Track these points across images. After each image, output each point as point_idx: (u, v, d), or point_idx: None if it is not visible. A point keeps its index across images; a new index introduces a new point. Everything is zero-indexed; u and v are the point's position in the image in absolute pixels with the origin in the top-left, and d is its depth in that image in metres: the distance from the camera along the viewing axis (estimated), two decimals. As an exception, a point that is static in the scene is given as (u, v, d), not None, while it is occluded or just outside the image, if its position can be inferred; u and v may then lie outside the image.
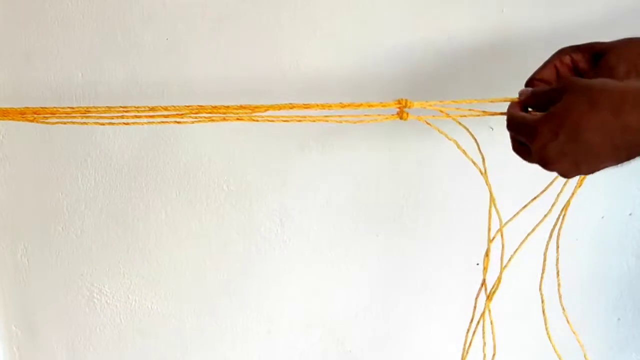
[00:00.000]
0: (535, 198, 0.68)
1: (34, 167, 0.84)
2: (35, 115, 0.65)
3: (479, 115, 0.64)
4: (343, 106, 0.64)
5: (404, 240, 0.87)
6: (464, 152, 0.65)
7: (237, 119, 0.64)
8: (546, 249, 0.71)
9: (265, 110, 0.64)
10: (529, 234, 0.70)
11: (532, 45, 0.76)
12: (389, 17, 0.77)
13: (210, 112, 0.64)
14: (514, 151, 0.60)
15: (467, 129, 0.65)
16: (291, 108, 0.63)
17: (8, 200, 0.85)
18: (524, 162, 0.59)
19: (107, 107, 0.65)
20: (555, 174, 0.58)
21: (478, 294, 0.72)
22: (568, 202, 0.68)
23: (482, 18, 0.76)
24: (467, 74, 0.78)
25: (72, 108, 0.65)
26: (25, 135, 0.82)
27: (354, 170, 0.84)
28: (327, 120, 0.65)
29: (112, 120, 0.65)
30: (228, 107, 0.64)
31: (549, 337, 0.72)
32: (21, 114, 0.65)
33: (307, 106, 0.63)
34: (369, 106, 0.64)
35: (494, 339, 0.73)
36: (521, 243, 0.69)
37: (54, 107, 0.65)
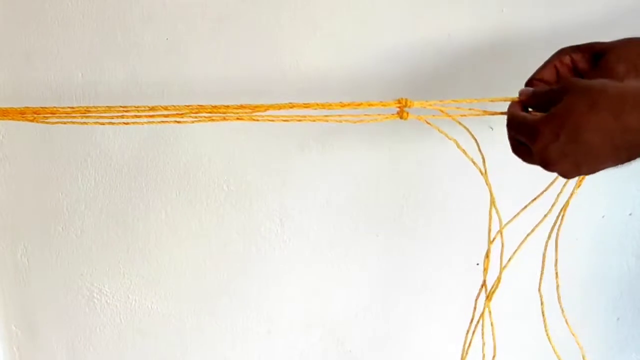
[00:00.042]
0: (535, 199, 0.68)
1: (34, 167, 0.84)
2: (35, 115, 0.65)
3: (479, 115, 0.64)
4: (343, 105, 0.64)
5: (404, 240, 0.87)
6: (464, 151, 0.65)
7: (237, 118, 0.64)
8: (545, 249, 0.71)
9: (265, 110, 0.64)
10: (528, 235, 0.69)
11: (532, 45, 0.76)
12: (389, 17, 0.77)
13: (210, 112, 0.64)
14: (514, 152, 0.60)
15: (467, 129, 0.65)
16: (291, 107, 0.63)
17: (8, 200, 0.85)
18: (524, 162, 0.59)
19: (107, 106, 0.65)
20: (555, 174, 0.58)
21: (478, 295, 0.72)
22: (567, 203, 0.68)
23: (482, 18, 0.76)
24: (467, 74, 0.78)
25: (72, 108, 0.65)
26: (25, 135, 0.82)
27: (354, 170, 0.84)
28: (327, 120, 0.65)
29: (112, 120, 0.65)
30: (228, 106, 0.64)
31: (549, 339, 0.72)
32: (21, 114, 0.65)
33: (307, 105, 0.63)
34: (369, 105, 0.64)
35: (494, 339, 0.73)
36: (521, 243, 0.69)
37: (54, 107, 0.65)
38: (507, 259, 0.69)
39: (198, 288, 0.89)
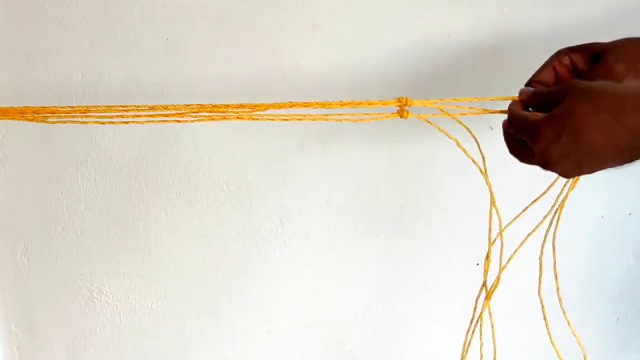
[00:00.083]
0: (535, 200, 0.69)
1: (34, 167, 0.84)
2: (35, 115, 0.65)
3: (479, 113, 0.64)
4: (343, 104, 0.64)
5: (404, 240, 0.87)
6: (464, 150, 0.65)
7: (237, 117, 0.64)
8: (541, 251, 0.71)
9: (265, 109, 0.64)
10: (528, 235, 0.70)
11: (532, 45, 0.76)
12: (389, 17, 0.77)
13: (210, 112, 0.64)
14: (510, 151, 0.60)
15: (467, 128, 0.65)
16: (291, 107, 0.63)
17: (8, 200, 0.85)
18: (522, 162, 0.59)
19: (107, 106, 0.65)
20: (555, 174, 0.58)
21: (478, 296, 0.72)
22: (562, 204, 0.68)
23: (482, 18, 0.76)
24: (467, 73, 0.78)
25: (72, 107, 0.65)
26: (25, 135, 0.82)
27: (354, 170, 0.84)
28: (327, 120, 0.65)
29: (112, 120, 0.65)
30: (228, 106, 0.64)
31: (552, 343, 0.72)
32: (21, 114, 0.65)
33: (307, 105, 0.63)
34: (369, 104, 0.64)
35: (494, 340, 0.73)
36: (520, 244, 0.69)
37: (54, 107, 0.65)
38: (507, 259, 0.69)
39: (198, 288, 0.89)
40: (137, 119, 0.65)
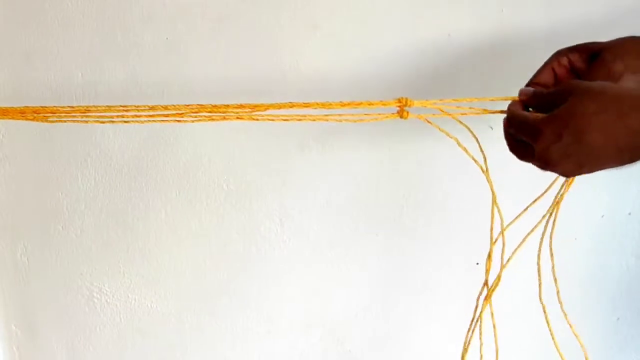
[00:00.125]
0: (536, 200, 0.69)
1: (34, 167, 0.84)
2: (35, 115, 0.65)
3: (479, 114, 0.64)
4: (343, 105, 0.64)
5: (404, 240, 0.87)
6: (465, 150, 0.65)
7: (237, 118, 0.64)
8: (539, 251, 0.71)
9: (265, 110, 0.64)
10: (527, 235, 0.70)
11: (532, 45, 0.76)
12: (389, 17, 0.77)
13: (210, 111, 0.64)
14: (510, 150, 0.60)
15: (468, 128, 0.65)
16: (291, 107, 0.63)
17: (8, 200, 0.85)
18: (521, 161, 0.59)
19: (107, 106, 0.65)
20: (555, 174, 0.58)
21: (479, 295, 0.72)
22: (558, 206, 0.68)
23: (482, 18, 0.76)
24: (467, 74, 0.78)
25: (72, 107, 0.65)
26: (25, 135, 0.82)
27: (354, 170, 0.84)
28: (327, 120, 0.65)
29: (112, 120, 0.65)
30: (228, 106, 0.64)
31: (556, 347, 0.72)
32: (21, 114, 0.65)
33: (307, 105, 0.63)
34: (369, 105, 0.64)
35: (496, 340, 0.73)
36: (519, 244, 0.69)
37: (54, 107, 0.65)
38: (507, 258, 0.69)
39: (198, 288, 0.89)
40: (137, 119, 0.65)
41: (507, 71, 0.77)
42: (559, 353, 0.72)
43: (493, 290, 0.70)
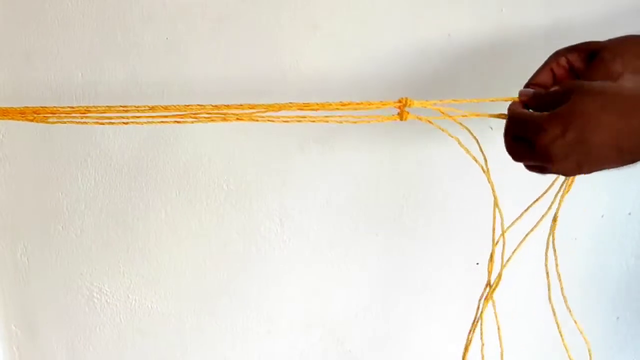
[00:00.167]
0: (536, 200, 0.69)
1: (34, 167, 0.84)
2: (35, 115, 0.65)
3: (479, 116, 0.64)
4: (343, 105, 0.64)
5: (404, 240, 0.87)
6: (467, 150, 0.65)
7: (237, 118, 0.64)
8: (546, 252, 0.71)
9: (265, 110, 0.64)
10: (527, 234, 0.70)
11: (532, 45, 0.76)
12: (389, 17, 0.77)
13: (210, 112, 0.64)
14: (508, 149, 0.59)
15: (468, 129, 0.65)
16: (291, 108, 0.63)
17: (8, 200, 0.85)
18: (520, 162, 0.59)
19: (107, 106, 0.65)
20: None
21: (481, 295, 0.72)
22: (560, 204, 0.68)
23: (482, 18, 0.76)
24: (467, 74, 0.78)
25: (72, 108, 0.65)
26: (25, 135, 0.82)
27: (354, 170, 0.84)
28: (327, 121, 0.65)
29: (112, 120, 0.65)
30: (228, 106, 0.64)
31: (566, 348, 0.72)
32: (21, 114, 0.65)
33: (307, 105, 0.63)
34: (369, 105, 0.64)
35: (500, 340, 0.73)
36: (519, 243, 0.69)
37: (54, 107, 0.65)
38: (507, 258, 0.69)
39: (198, 288, 0.89)
40: (137, 120, 0.65)
41: (507, 71, 0.77)
42: (567, 352, 0.72)
43: (494, 289, 0.70)
